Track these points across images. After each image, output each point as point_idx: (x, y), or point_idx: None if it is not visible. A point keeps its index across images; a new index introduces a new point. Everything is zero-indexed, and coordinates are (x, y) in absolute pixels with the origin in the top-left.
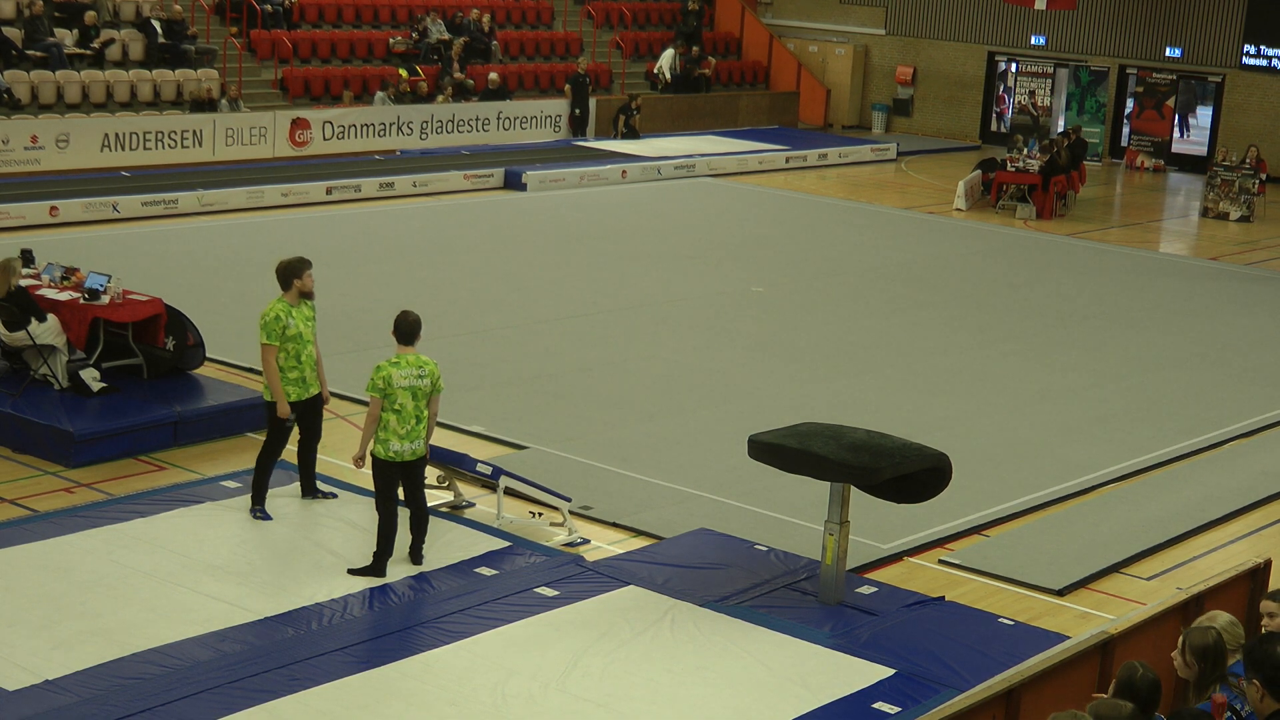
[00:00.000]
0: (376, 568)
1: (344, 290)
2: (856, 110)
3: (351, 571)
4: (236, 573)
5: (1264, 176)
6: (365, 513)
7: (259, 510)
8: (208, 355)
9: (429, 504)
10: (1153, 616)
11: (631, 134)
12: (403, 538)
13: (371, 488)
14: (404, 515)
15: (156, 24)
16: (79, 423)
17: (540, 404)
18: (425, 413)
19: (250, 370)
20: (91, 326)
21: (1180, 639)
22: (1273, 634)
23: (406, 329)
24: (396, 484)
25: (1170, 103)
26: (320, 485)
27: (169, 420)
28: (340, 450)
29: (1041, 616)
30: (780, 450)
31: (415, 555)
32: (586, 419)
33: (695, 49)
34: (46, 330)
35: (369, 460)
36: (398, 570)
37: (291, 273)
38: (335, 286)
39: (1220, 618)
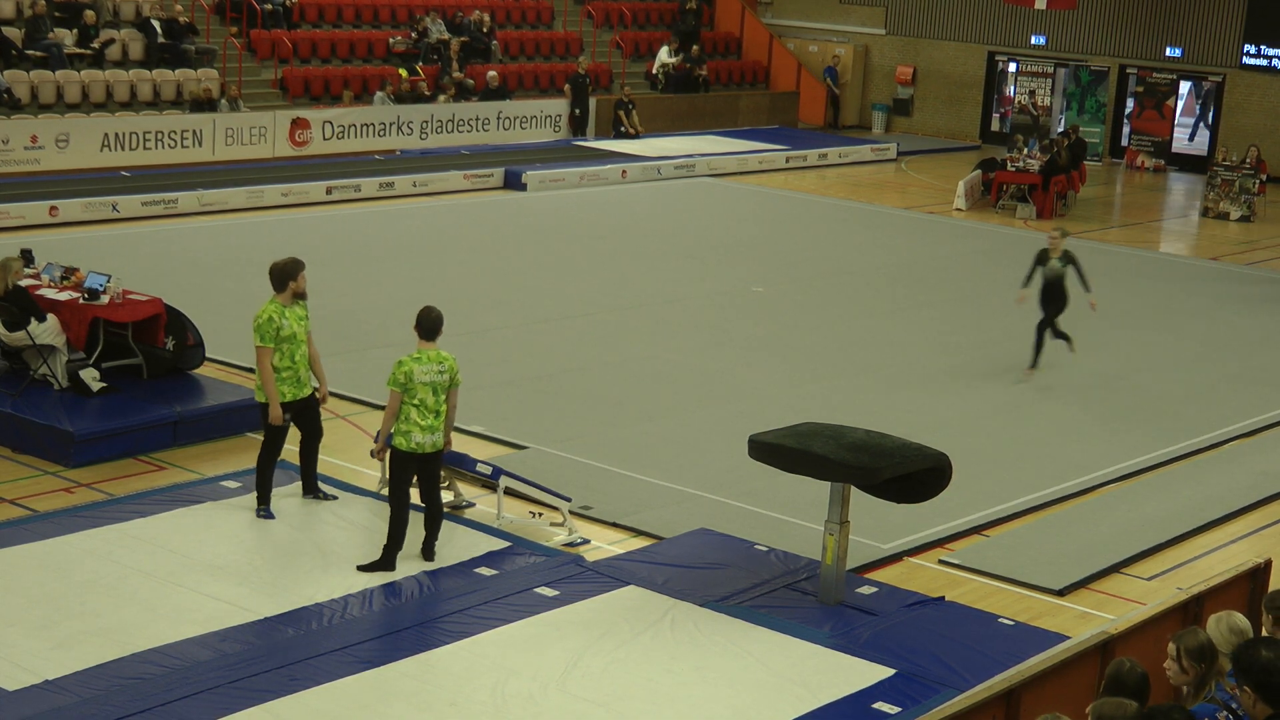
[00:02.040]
0: (386, 561)
1: (344, 290)
2: (856, 110)
3: (361, 568)
4: (236, 573)
5: (1264, 176)
6: (366, 512)
7: (264, 510)
8: (207, 355)
9: (442, 506)
10: (1153, 616)
11: (630, 135)
12: (416, 535)
13: (371, 488)
14: (416, 514)
15: (156, 24)
16: (79, 423)
17: (540, 404)
18: (444, 406)
19: (250, 370)
20: (91, 326)
21: (1173, 649)
22: (1258, 639)
23: (430, 325)
24: (412, 477)
25: (1170, 102)
26: (322, 486)
27: (169, 420)
28: (340, 450)
29: (1041, 616)
30: (780, 450)
31: (428, 552)
32: (586, 419)
33: (695, 48)
34: (46, 330)
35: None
36: (400, 569)
37: (287, 274)
38: (335, 286)
39: (1235, 617)
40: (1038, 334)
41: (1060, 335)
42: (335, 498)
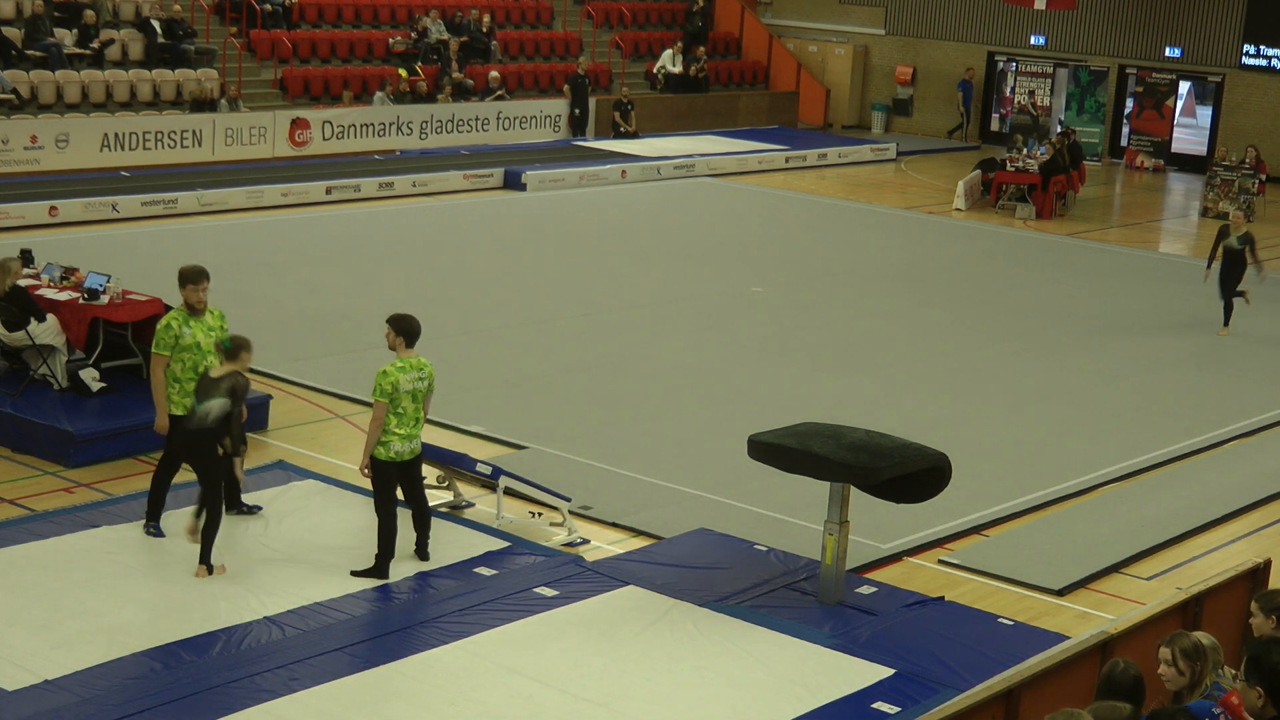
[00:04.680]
0: (379, 569)
1: (344, 290)
2: (856, 110)
3: (355, 574)
4: (236, 573)
5: (1264, 176)
6: (364, 513)
7: (153, 528)
8: None
9: (429, 504)
10: (1152, 616)
11: (629, 135)
12: (407, 536)
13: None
14: (406, 515)
15: (156, 24)
16: (79, 423)
17: (540, 404)
18: (422, 413)
19: (251, 371)
20: (91, 326)
21: (1167, 653)
22: (1275, 639)
23: (410, 332)
24: (395, 485)
25: (1170, 102)
26: (245, 500)
27: None
28: (340, 451)
29: (1041, 616)
30: (780, 450)
31: (421, 552)
32: (586, 419)
33: (700, 50)
34: (46, 330)
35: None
36: (399, 570)
37: (181, 281)
38: (335, 286)
39: (1203, 637)
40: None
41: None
42: (259, 508)
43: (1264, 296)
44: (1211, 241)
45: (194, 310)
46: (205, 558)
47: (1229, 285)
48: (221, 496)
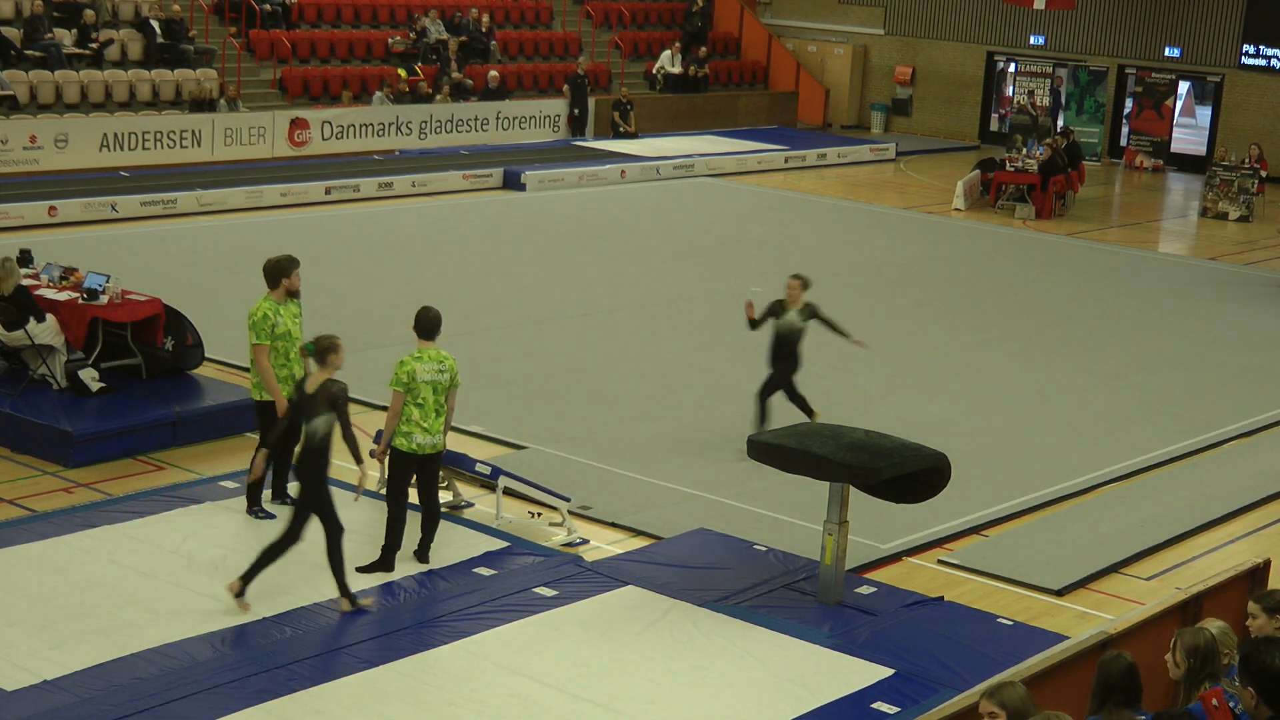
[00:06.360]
0: (385, 562)
1: (343, 290)
2: (855, 110)
3: (360, 569)
4: (236, 573)
5: (1264, 175)
6: (364, 514)
7: (258, 510)
8: (206, 355)
9: (440, 507)
10: (1152, 616)
11: (628, 135)
12: (411, 536)
13: (371, 488)
14: (413, 515)
15: (155, 24)
16: (78, 423)
17: (540, 404)
18: (445, 406)
19: (249, 370)
20: (90, 326)
21: (1173, 640)
22: (1269, 640)
23: (428, 324)
24: (411, 478)
25: (1169, 102)
26: (266, 506)
27: (168, 420)
28: (339, 451)
29: (1040, 616)
30: (780, 450)
31: (422, 554)
32: (586, 419)
33: (701, 50)
34: (45, 330)
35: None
36: (398, 569)
37: (280, 271)
38: (335, 286)
39: (1214, 624)
40: None
41: None
42: (274, 517)
43: (1261, 297)
44: (1208, 243)
45: (291, 295)
46: (250, 577)
47: (778, 377)
48: (305, 523)
